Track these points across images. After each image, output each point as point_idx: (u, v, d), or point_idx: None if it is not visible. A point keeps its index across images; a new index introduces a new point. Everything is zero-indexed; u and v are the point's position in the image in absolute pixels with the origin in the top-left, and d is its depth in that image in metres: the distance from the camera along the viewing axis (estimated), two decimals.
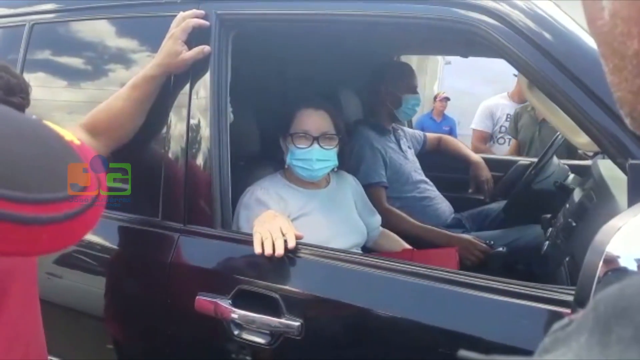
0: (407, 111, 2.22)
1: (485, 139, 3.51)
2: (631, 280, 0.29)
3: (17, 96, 0.93)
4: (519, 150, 3.19)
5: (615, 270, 0.65)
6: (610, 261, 0.64)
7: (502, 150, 3.39)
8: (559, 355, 0.27)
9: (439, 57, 6.59)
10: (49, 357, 1.18)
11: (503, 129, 3.45)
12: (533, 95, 1.25)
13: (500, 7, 1.06)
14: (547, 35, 1.02)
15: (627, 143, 0.91)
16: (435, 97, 5.71)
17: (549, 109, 1.24)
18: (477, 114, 3.58)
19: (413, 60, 3.79)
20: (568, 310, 0.88)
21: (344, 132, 1.63)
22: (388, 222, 1.92)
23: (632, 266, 0.63)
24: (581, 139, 1.19)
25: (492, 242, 1.85)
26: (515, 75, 3.55)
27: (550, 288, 0.97)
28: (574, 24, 1.06)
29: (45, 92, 1.63)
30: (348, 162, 1.86)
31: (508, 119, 3.42)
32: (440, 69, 6.93)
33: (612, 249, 0.64)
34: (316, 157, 1.51)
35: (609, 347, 0.26)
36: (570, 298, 0.89)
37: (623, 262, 0.64)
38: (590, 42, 1.02)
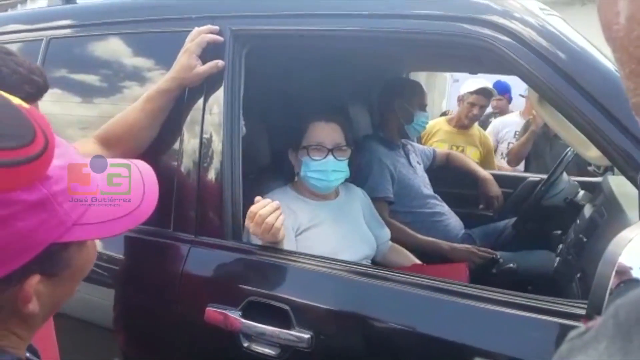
0: (417, 127, 2.25)
1: None
2: None
3: (39, 77, 1.00)
4: (517, 156, 3.23)
5: (628, 282, 0.65)
6: (623, 272, 0.64)
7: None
8: None
9: (447, 75, 6.63)
10: None
11: (510, 145, 3.46)
12: (543, 109, 1.25)
13: (512, 24, 1.08)
14: (557, 50, 1.03)
15: (637, 156, 0.91)
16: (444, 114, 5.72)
17: (559, 123, 1.25)
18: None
19: (421, 77, 3.82)
20: (578, 324, 0.88)
21: (353, 144, 1.64)
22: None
23: None
24: (592, 153, 1.19)
25: (500, 257, 1.84)
26: (522, 96, 3.60)
27: (562, 301, 0.97)
28: (584, 39, 1.07)
29: (61, 106, 1.65)
30: (356, 175, 1.87)
31: (516, 136, 3.43)
32: (448, 85, 6.97)
33: (624, 259, 0.64)
34: (332, 168, 1.54)
35: (631, 353, 0.25)
36: (582, 311, 0.88)
37: (636, 273, 0.64)
38: (599, 57, 1.03)
